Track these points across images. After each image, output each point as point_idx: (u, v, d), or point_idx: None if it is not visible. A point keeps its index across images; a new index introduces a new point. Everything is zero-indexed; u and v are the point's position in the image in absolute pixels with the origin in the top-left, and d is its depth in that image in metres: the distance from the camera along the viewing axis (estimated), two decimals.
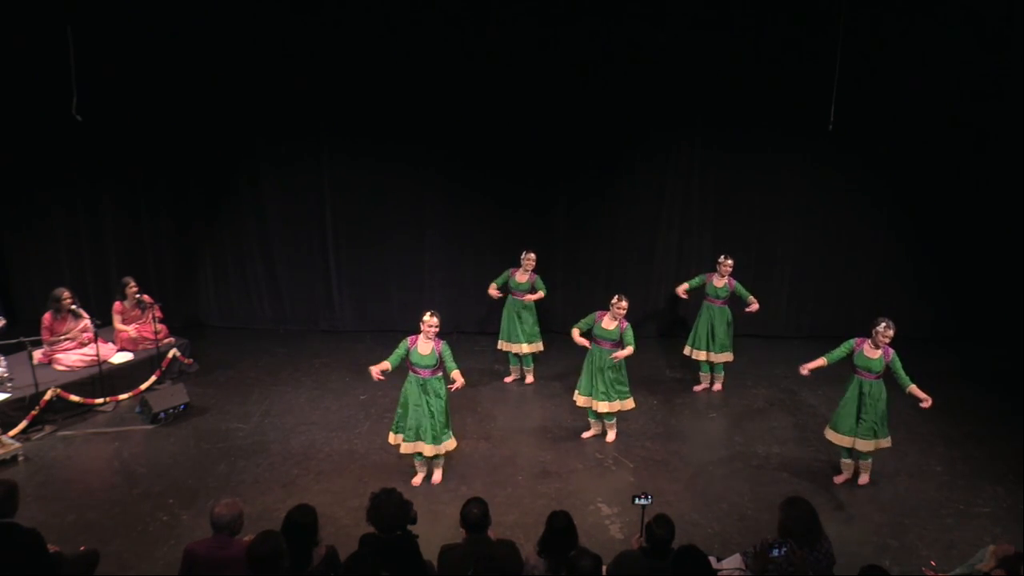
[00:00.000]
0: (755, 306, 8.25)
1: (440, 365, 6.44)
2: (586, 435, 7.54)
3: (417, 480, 6.66)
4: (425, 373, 6.39)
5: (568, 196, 9.94)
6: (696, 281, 8.50)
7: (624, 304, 7.11)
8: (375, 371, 6.27)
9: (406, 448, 6.53)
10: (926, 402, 6.23)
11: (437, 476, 6.71)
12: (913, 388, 6.33)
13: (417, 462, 6.66)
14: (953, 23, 8.85)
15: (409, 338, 6.46)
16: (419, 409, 6.42)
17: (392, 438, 6.62)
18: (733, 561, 5.14)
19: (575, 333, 7.26)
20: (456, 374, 6.36)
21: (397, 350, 6.42)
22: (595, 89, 9.41)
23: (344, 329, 10.42)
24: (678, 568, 4.02)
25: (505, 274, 8.56)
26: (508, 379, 8.85)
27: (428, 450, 6.47)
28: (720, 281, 8.31)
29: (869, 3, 8.55)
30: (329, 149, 9.84)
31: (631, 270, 10.07)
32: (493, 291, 8.54)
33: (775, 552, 4.19)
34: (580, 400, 7.41)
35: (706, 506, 6.40)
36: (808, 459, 7.19)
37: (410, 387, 6.47)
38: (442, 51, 9.26)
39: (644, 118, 9.54)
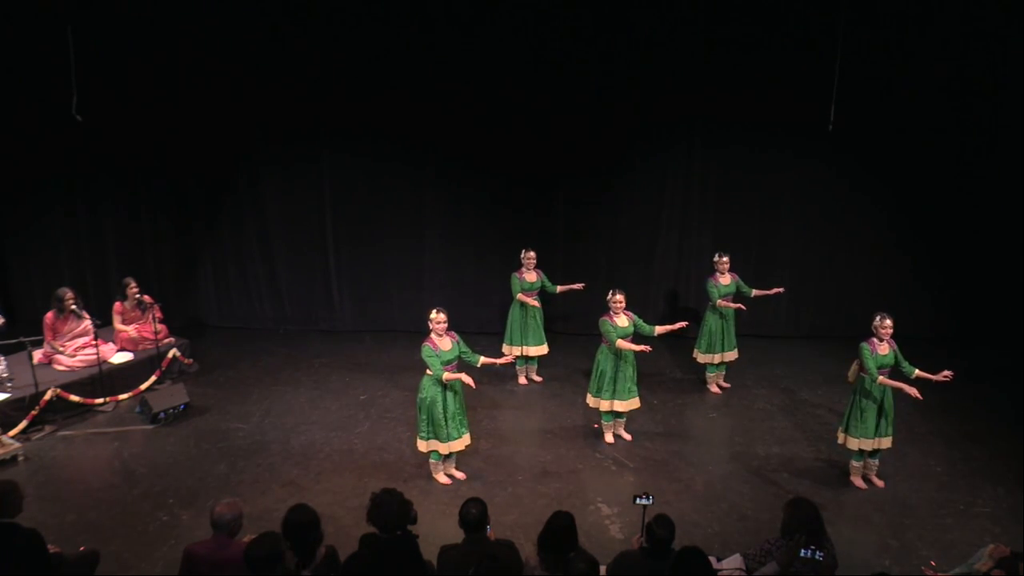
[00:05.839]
0: (778, 289, 8.35)
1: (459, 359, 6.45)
2: (611, 440, 7.44)
3: (446, 479, 6.66)
4: (452, 369, 6.37)
5: (568, 196, 9.94)
6: (727, 288, 8.22)
7: (619, 297, 7.04)
8: (469, 380, 6.23)
9: (447, 447, 6.49)
10: (943, 375, 6.21)
11: (460, 473, 6.75)
12: (920, 372, 6.34)
13: (434, 461, 6.64)
14: (953, 23, 8.85)
15: (428, 343, 6.29)
16: (453, 405, 6.43)
17: (424, 445, 6.51)
18: (733, 561, 5.13)
19: (623, 344, 6.94)
20: (483, 359, 6.50)
21: (433, 359, 6.21)
22: (595, 89, 9.42)
23: (344, 329, 10.42)
24: (678, 569, 4.01)
25: (516, 280, 8.41)
26: (523, 381, 8.83)
27: (465, 440, 6.57)
28: (727, 279, 8.30)
29: (869, 3, 8.55)
30: (329, 149, 9.85)
31: (631, 270, 10.06)
32: (531, 301, 8.44)
33: (805, 553, 4.18)
34: (606, 405, 7.25)
35: (706, 506, 6.40)
36: (808, 459, 7.19)
37: (438, 392, 6.36)
38: (442, 52, 9.27)
39: (644, 118, 9.54)
